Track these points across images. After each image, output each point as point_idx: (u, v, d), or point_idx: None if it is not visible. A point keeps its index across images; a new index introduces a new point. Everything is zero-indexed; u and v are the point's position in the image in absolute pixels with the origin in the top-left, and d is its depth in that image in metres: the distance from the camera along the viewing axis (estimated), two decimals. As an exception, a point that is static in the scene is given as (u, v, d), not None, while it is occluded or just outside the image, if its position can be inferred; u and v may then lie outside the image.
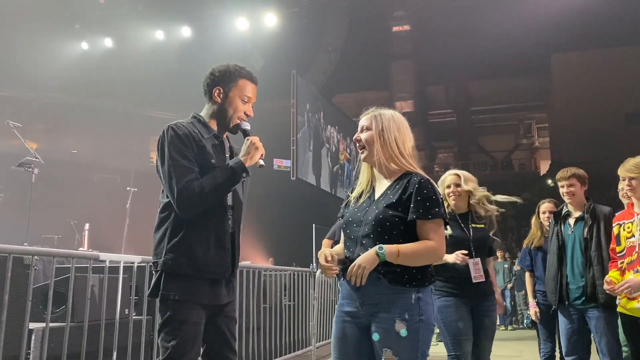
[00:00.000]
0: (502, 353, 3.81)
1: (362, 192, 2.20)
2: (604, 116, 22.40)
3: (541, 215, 4.39)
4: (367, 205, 2.12)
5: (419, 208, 2.00)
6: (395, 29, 27.17)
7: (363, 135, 2.18)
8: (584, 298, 3.36)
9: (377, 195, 2.14)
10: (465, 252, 3.19)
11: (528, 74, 25.83)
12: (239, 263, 2.40)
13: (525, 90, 26.91)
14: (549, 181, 23.27)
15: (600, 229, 3.37)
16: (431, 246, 1.98)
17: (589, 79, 23.05)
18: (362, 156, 2.20)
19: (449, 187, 3.43)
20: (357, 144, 2.21)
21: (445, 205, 3.43)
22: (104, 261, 3.58)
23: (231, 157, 2.36)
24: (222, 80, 2.33)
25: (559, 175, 3.61)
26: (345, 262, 2.11)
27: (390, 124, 2.16)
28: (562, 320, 3.54)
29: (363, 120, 2.21)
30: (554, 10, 20.26)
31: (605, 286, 2.99)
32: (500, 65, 24.46)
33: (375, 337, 1.97)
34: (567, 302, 3.45)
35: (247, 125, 2.37)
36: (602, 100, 22.63)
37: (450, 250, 3.26)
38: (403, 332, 1.92)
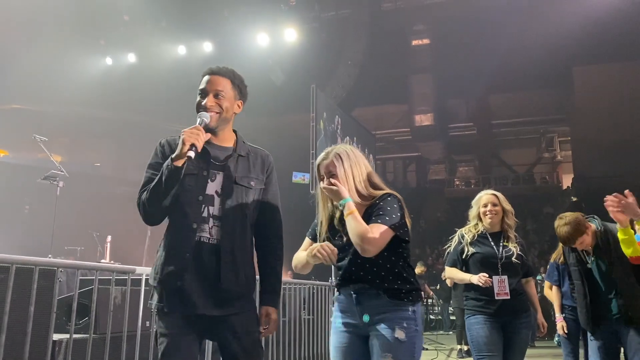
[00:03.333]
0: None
1: (327, 221, 2.35)
2: (626, 129, 22.03)
3: None
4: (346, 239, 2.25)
5: (373, 215, 2.19)
6: (414, 42, 27.18)
7: (333, 181, 2.27)
8: (618, 316, 3.30)
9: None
10: (486, 275, 3.29)
11: (549, 87, 25.57)
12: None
13: (547, 103, 26.63)
14: (572, 196, 22.94)
15: (616, 249, 3.28)
16: (366, 231, 2.12)
17: (611, 92, 22.74)
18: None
19: (485, 206, 3.52)
20: (327, 192, 2.28)
21: (473, 224, 3.48)
22: (127, 274, 3.63)
23: (217, 158, 2.24)
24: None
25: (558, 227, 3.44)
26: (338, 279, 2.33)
27: (350, 162, 2.30)
28: (593, 340, 3.46)
29: (325, 167, 2.31)
30: (575, 23, 20.09)
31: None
32: (521, 78, 24.26)
33: (376, 343, 2.15)
34: (601, 325, 3.38)
35: (199, 117, 2.22)
36: (625, 113, 22.29)
37: (478, 267, 3.33)
38: (402, 338, 2.12)
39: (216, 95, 2.26)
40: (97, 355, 3.29)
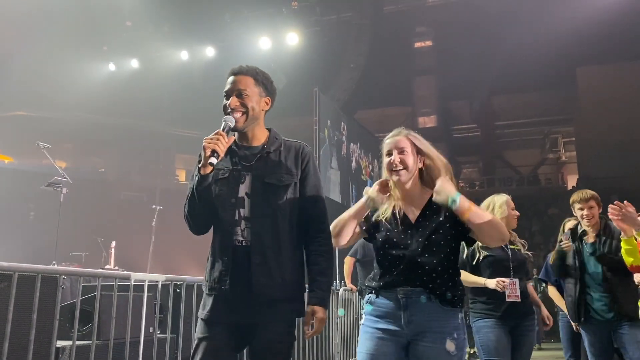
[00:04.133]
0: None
1: (389, 212, 2.20)
2: (631, 129, 21.94)
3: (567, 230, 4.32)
4: (408, 228, 2.15)
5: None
6: (417, 44, 27.18)
7: (403, 157, 2.17)
8: (612, 314, 3.36)
9: (413, 216, 2.17)
10: (504, 280, 3.30)
11: (553, 88, 25.50)
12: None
13: (551, 103, 26.56)
14: (577, 196, 22.82)
15: (616, 244, 3.38)
16: (496, 219, 2.11)
17: (616, 92, 22.66)
18: (398, 178, 2.17)
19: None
20: (394, 167, 2.17)
21: None
22: (129, 280, 3.62)
23: (248, 158, 2.22)
24: None
25: (576, 197, 3.63)
26: (376, 282, 2.18)
27: (425, 143, 2.24)
28: (587, 338, 3.54)
29: (396, 142, 2.20)
30: (579, 23, 20.05)
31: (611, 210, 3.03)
32: (525, 79, 24.20)
33: (425, 355, 2.02)
34: (591, 320, 3.46)
35: (223, 120, 2.17)
36: (629, 114, 22.20)
37: (490, 270, 3.34)
38: (453, 351, 2.01)
39: (239, 95, 2.22)
40: (100, 362, 3.28)
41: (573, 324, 4.15)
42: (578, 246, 3.60)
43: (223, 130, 2.11)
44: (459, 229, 2.13)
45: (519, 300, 3.34)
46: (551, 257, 3.99)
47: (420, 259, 2.07)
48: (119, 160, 22.41)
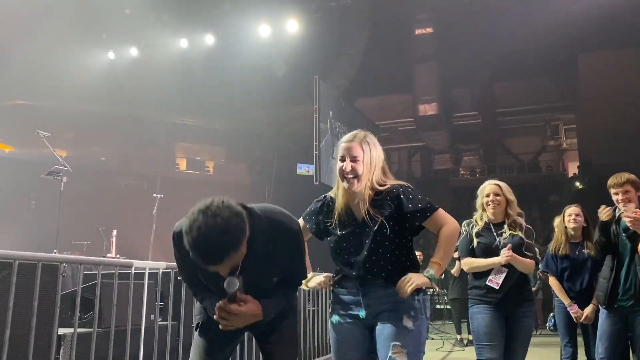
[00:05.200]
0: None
1: (339, 215, 2.30)
2: (633, 116, 21.86)
3: (566, 218, 4.28)
4: (356, 227, 2.26)
5: (417, 213, 2.21)
6: (418, 31, 26.99)
7: (354, 165, 2.23)
8: (632, 301, 3.29)
9: (360, 215, 2.26)
10: (507, 250, 3.28)
11: (554, 74, 25.37)
12: None
13: (552, 90, 26.44)
14: (577, 183, 22.83)
15: None
16: (449, 229, 2.23)
17: (617, 79, 22.55)
18: (349, 186, 2.23)
19: (487, 196, 3.50)
20: (346, 174, 2.22)
21: (479, 214, 3.48)
22: (130, 267, 3.63)
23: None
24: None
25: (612, 181, 3.45)
26: (338, 275, 2.34)
27: (377, 152, 2.28)
28: (605, 323, 3.44)
29: (350, 149, 2.25)
30: (580, 9, 19.90)
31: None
32: (526, 65, 24.08)
33: (384, 332, 2.15)
34: (616, 305, 3.37)
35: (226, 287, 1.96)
36: (631, 100, 22.10)
37: (483, 257, 3.33)
38: (410, 327, 2.14)
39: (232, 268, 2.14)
40: (101, 349, 3.30)
41: (572, 312, 4.12)
42: (615, 229, 3.43)
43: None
44: (405, 225, 2.23)
45: (497, 287, 3.31)
46: (596, 234, 3.75)
47: (372, 256, 2.20)
48: (120, 149, 22.40)
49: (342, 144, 2.28)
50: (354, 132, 2.32)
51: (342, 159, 2.25)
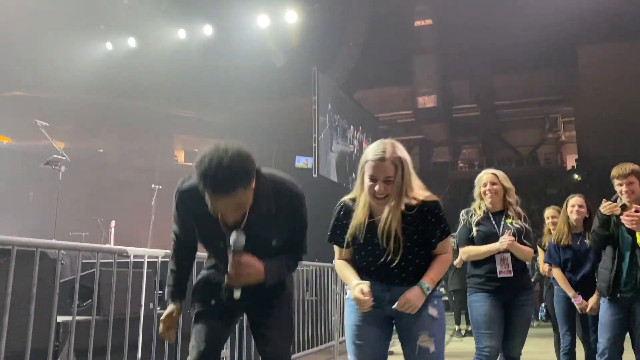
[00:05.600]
0: (531, 349, 3.77)
1: (360, 225, 2.23)
2: (631, 109, 21.87)
3: (569, 209, 4.24)
4: (377, 239, 2.22)
5: (438, 232, 2.22)
6: (417, 23, 26.93)
7: (388, 187, 2.14)
8: (634, 292, 3.28)
9: (382, 229, 2.21)
10: (508, 236, 3.31)
11: (553, 67, 25.35)
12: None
13: (551, 83, 26.43)
14: (575, 176, 22.86)
15: None
16: (447, 258, 2.28)
17: (616, 71, 22.53)
18: (379, 203, 2.17)
19: (485, 185, 3.50)
20: (377, 195, 2.15)
21: (477, 203, 3.48)
22: (128, 255, 3.63)
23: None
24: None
25: (615, 172, 3.41)
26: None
27: (407, 168, 2.18)
28: (607, 313, 3.42)
29: (382, 169, 2.13)
30: (579, 2, 19.85)
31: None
32: (525, 58, 24.06)
33: (410, 321, 2.17)
34: (618, 295, 3.35)
35: (231, 245, 2.00)
36: (630, 93, 22.11)
37: (480, 245, 3.33)
38: (436, 315, 2.20)
39: (235, 209, 2.11)
40: (100, 337, 3.30)
41: (577, 304, 4.06)
42: (616, 219, 3.39)
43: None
44: (430, 239, 2.24)
45: (511, 275, 3.32)
46: (594, 225, 3.69)
47: (396, 268, 2.20)
48: (118, 141, 22.36)
49: (372, 162, 2.14)
50: (382, 145, 2.18)
51: (373, 180, 2.14)
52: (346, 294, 2.33)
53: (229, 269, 2.01)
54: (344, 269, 2.30)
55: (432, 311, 2.19)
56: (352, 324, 2.26)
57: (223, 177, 1.83)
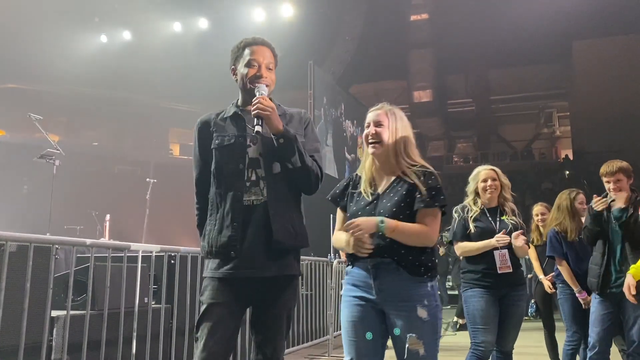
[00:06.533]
0: (523, 343, 3.81)
1: (364, 185, 2.31)
2: (626, 104, 21.93)
3: (578, 206, 4.16)
4: (375, 199, 2.25)
5: (425, 197, 2.16)
6: (413, 17, 26.87)
7: (379, 130, 2.26)
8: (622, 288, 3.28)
9: (382, 189, 2.27)
10: (502, 236, 3.32)
11: (549, 62, 25.38)
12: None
13: (546, 78, 26.47)
14: (567, 172, 22.94)
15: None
16: (425, 230, 2.15)
17: (611, 67, 22.58)
18: (373, 151, 2.27)
19: (485, 181, 3.53)
20: (370, 138, 2.27)
21: (471, 199, 3.49)
22: (122, 250, 3.63)
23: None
24: (233, 60, 2.38)
25: (603, 169, 3.44)
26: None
27: (402, 124, 2.30)
28: (598, 308, 3.46)
29: (375, 116, 2.31)
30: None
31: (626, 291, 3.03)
32: (520, 53, 24.06)
33: (398, 324, 2.12)
34: (608, 291, 3.39)
35: (258, 90, 2.24)
36: (625, 88, 22.16)
37: (477, 241, 3.35)
38: (425, 317, 2.11)
39: (268, 68, 2.32)
40: (95, 332, 3.31)
41: (582, 299, 4.01)
42: (606, 216, 3.43)
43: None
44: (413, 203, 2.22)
45: (511, 270, 3.35)
46: (586, 221, 3.65)
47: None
48: (113, 134, 22.26)
49: (369, 112, 2.33)
50: (382, 103, 2.36)
51: (367, 126, 2.30)
52: (342, 288, 2.33)
53: (252, 102, 2.19)
54: (340, 235, 2.30)
55: (422, 312, 2.12)
56: (347, 320, 2.23)
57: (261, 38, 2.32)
